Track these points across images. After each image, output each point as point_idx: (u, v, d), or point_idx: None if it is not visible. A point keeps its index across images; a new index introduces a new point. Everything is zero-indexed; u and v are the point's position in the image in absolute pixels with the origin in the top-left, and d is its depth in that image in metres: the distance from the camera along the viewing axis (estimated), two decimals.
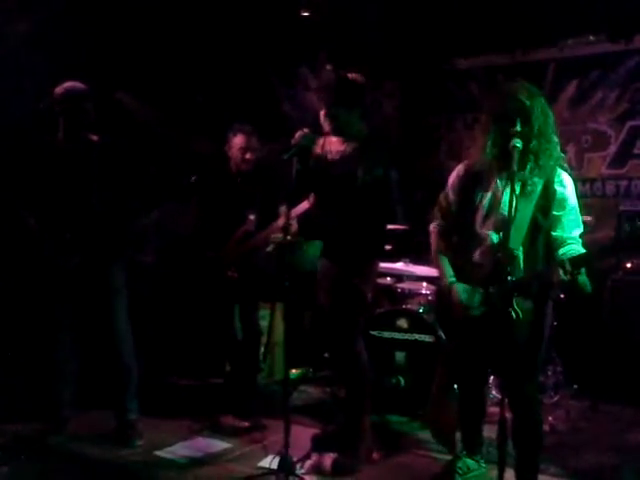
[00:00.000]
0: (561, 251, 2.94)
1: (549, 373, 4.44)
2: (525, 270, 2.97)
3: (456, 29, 5.69)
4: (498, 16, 5.42)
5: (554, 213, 2.98)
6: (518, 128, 2.90)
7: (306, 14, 5.80)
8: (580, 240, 2.99)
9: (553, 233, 2.99)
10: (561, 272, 2.72)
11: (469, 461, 3.46)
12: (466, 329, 3.09)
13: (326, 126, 3.66)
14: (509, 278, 2.80)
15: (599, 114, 5.68)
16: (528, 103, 2.93)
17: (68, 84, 3.89)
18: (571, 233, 2.98)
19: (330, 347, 4.00)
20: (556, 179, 3.00)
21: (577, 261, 2.74)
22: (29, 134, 4.14)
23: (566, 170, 3.07)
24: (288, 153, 3.39)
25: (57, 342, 3.96)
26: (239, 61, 5.91)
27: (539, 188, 2.99)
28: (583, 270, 2.75)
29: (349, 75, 3.74)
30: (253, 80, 6.09)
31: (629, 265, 4.77)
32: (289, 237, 3.55)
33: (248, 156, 4.27)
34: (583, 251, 2.89)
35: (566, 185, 3.02)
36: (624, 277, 4.86)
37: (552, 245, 2.99)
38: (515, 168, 2.84)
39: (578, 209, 3.05)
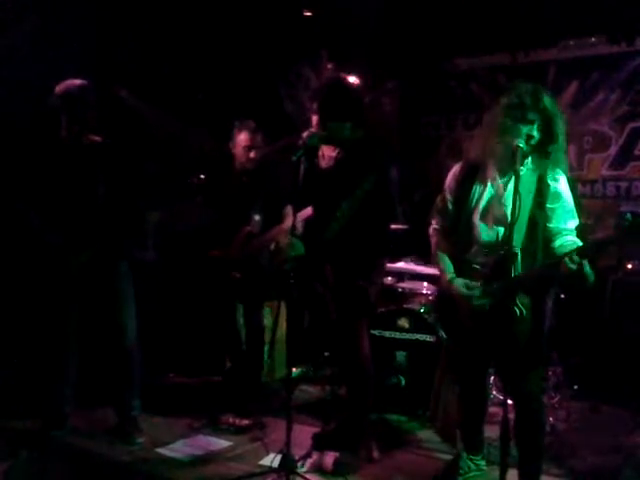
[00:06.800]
0: (557, 242, 2.94)
1: (549, 374, 4.44)
2: (524, 266, 2.97)
3: (457, 29, 5.70)
4: (499, 16, 5.44)
5: (548, 206, 2.99)
6: (535, 132, 2.92)
7: (308, 14, 5.80)
8: (575, 232, 2.99)
9: (549, 225, 2.99)
10: (568, 262, 2.72)
11: (470, 461, 3.46)
12: (468, 326, 3.10)
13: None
14: (511, 275, 2.81)
15: (600, 115, 5.70)
16: (548, 105, 2.93)
17: (69, 82, 3.87)
18: (566, 224, 2.99)
19: (334, 347, 3.99)
20: (549, 174, 3.01)
21: (583, 251, 2.74)
22: (32, 132, 4.13)
23: (564, 171, 3.07)
24: (297, 154, 3.35)
25: (62, 339, 3.95)
26: (241, 60, 5.91)
27: (534, 184, 3.00)
28: (587, 261, 2.75)
29: (346, 85, 3.72)
30: (255, 79, 6.08)
31: (630, 266, 4.79)
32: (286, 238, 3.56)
33: (252, 154, 4.25)
34: (579, 242, 2.90)
35: (559, 179, 3.03)
36: (624, 278, 4.88)
37: (548, 237, 2.99)
38: (519, 168, 2.86)
39: (572, 201, 3.04)
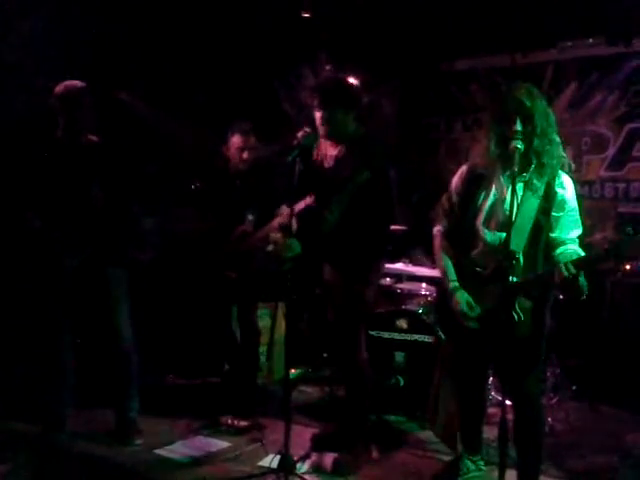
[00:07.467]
0: (558, 251, 2.96)
1: (548, 375, 4.45)
2: (525, 271, 2.98)
3: (456, 31, 5.70)
4: (498, 18, 5.44)
5: (554, 214, 3.01)
6: (519, 127, 2.92)
7: (307, 15, 5.80)
8: (578, 241, 3.02)
9: (551, 234, 3.01)
10: (564, 269, 2.74)
11: (469, 462, 3.47)
12: (467, 328, 3.10)
13: (321, 130, 3.63)
14: (510, 279, 2.82)
15: (598, 116, 5.69)
16: (529, 103, 2.94)
17: (68, 83, 3.88)
18: (569, 234, 3.01)
19: (332, 349, 3.99)
20: (557, 181, 3.02)
21: (578, 263, 2.77)
22: (31, 133, 4.13)
23: (567, 172, 3.08)
24: (291, 155, 3.37)
25: (59, 341, 3.95)
26: (240, 61, 5.92)
27: (542, 190, 3.01)
28: (582, 273, 2.78)
29: (345, 78, 3.73)
30: (254, 80, 6.09)
31: (628, 267, 4.78)
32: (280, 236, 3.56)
33: (245, 156, 4.28)
34: (580, 252, 2.92)
35: (566, 187, 3.04)
36: (623, 279, 4.87)
37: (550, 245, 3.01)
38: (516, 169, 2.87)
39: (578, 211, 3.07)
